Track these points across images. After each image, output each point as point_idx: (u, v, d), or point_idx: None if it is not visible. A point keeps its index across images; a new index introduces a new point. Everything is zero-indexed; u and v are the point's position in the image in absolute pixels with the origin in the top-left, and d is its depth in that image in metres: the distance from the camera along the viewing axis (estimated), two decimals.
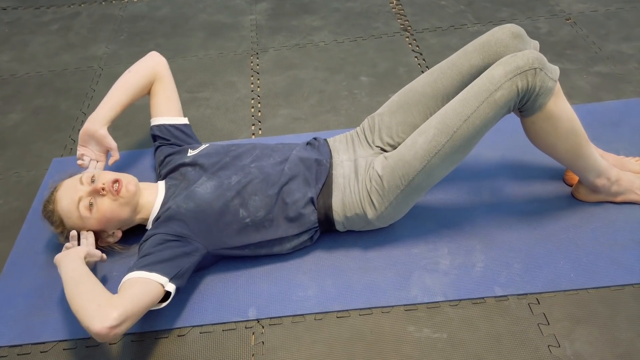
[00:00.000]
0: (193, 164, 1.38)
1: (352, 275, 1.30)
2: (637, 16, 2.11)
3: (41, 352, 1.23)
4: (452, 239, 1.36)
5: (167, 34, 2.36)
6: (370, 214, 1.29)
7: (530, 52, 1.17)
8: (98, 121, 1.46)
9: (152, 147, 1.75)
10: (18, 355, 1.23)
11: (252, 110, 1.88)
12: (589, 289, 1.22)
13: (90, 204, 1.28)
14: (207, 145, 1.46)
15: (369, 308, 1.24)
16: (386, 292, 1.26)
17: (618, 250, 1.28)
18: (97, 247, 1.32)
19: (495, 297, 1.23)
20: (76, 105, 2.00)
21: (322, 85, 1.96)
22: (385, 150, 1.38)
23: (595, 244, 1.30)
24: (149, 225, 1.35)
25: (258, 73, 2.05)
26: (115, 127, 1.87)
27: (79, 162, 1.47)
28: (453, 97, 1.27)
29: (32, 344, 1.25)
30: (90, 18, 2.55)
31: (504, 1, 2.29)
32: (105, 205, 1.29)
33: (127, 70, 1.56)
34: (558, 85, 1.19)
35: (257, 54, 2.14)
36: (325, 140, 1.44)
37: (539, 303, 1.21)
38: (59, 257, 1.25)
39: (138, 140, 1.81)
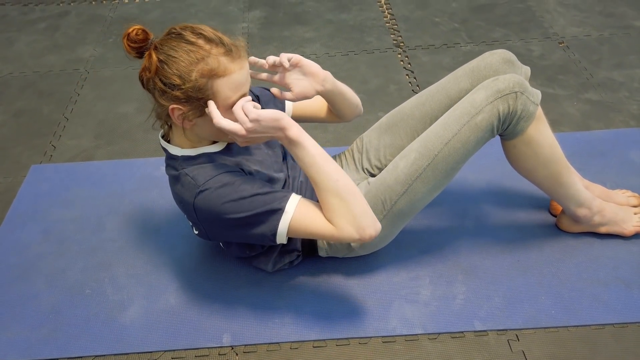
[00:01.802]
0: (270, 145, 1.28)
1: (331, 303, 1.28)
2: (630, 43, 2.11)
3: None
4: (434, 268, 1.34)
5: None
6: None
7: (512, 76, 1.16)
8: (325, 87, 1.16)
9: (133, 158, 1.72)
10: None
11: None
12: (570, 327, 1.21)
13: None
14: None
15: (347, 338, 1.21)
16: (365, 322, 1.23)
17: (600, 287, 1.27)
18: None
19: (475, 331, 1.21)
20: (59, 109, 1.96)
21: None
22: (372, 174, 1.35)
23: (578, 279, 1.29)
24: (190, 152, 1.12)
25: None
26: (98, 135, 1.84)
27: (270, 58, 1.12)
28: None
29: None
30: (78, 18, 2.50)
31: (498, 21, 2.28)
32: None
33: (358, 99, 1.31)
34: (540, 109, 1.18)
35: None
36: None
37: (518, 340, 1.19)
38: (290, 121, 1.01)
39: (121, 149, 1.78)
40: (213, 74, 0.98)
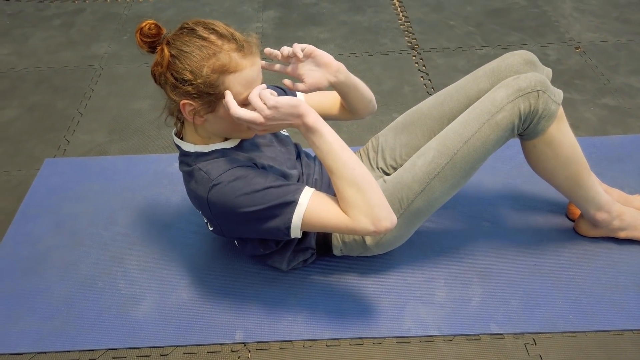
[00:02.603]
0: (283, 142, 1.27)
1: (345, 302, 1.26)
2: None
3: None
4: (449, 270, 1.32)
5: None
6: (369, 239, 1.25)
7: (534, 75, 1.14)
8: (338, 78, 1.14)
9: (146, 153, 1.72)
10: None
11: None
12: (588, 332, 1.18)
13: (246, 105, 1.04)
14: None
15: (361, 338, 1.20)
16: (379, 322, 1.22)
17: (619, 293, 1.25)
18: None
19: (491, 334, 1.19)
20: (73, 104, 1.96)
21: None
22: (387, 174, 1.34)
23: (596, 284, 1.27)
24: (203, 149, 1.12)
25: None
26: (111, 130, 1.84)
27: (284, 49, 1.10)
28: None
29: (9, 354, 1.20)
30: (94, 15, 2.51)
31: (513, 26, 2.27)
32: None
33: (371, 94, 1.28)
34: (561, 109, 1.17)
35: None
36: None
37: (535, 344, 1.17)
38: (308, 108, 0.99)
39: (135, 145, 1.77)
40: (224, 70, 0.97)
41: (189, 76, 0.98)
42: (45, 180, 1.64)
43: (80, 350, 1.19)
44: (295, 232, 1.07)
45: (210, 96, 0.99)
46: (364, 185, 1.01)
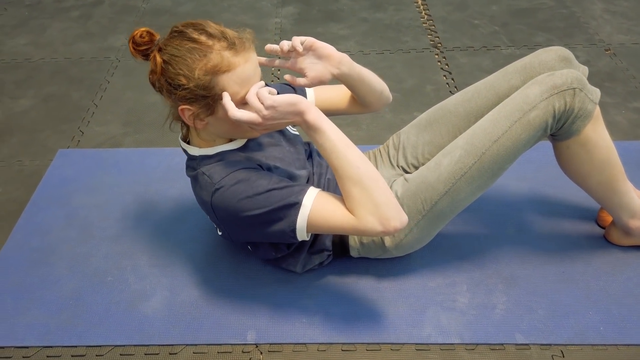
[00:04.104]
0: (292, 142, 1.22)
1: (361, 305, 1.21)
2: None
3: (24, 357, 1.15)
4: (472, 275, 1.26)
5: None
6: (388, 241, 1.19)
7: (570, 71, 1.08)
8: (341, 70, 1.09)
9: (160, 147, 1.69)
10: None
11: None
12: (620, 345, 1.12)
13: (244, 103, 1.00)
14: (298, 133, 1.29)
15: (378, 343, 1.14)
16: (397, 328, 1.16)
17: None
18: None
19: (516, 344, 1.13)
20: (88, 95, 1.94)
21: None
22: (407, 172, 1.29)
23: (629, 295, 1.20)
24: (208, 152, 1.09)
25: (278, 78, 1.97)
26: (126, 123, 1.81)
27: (284, 43, 1.05)
28: None
29: (16, 347, 1.16)
30: (112, 8, 2.49)
31: (540, 26, 2.20)
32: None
33: (383, 84, 1.22)
34: (598, 109, 1.11)
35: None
36: None
37: (563, 356, 1.11)
38: (308, 105, 0.95)
39: (148, 138, 1.74)
40: (217, 70, 0.94)
41: (183, 81, 0.94)
42: (58, 171, 1.61)
43: (87, 346, 1.16)
44: (302, 235, 1.02)
45: (207, 99, 0.96)
46: (369, 183, 0.95)
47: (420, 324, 1.17)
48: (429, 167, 1.16)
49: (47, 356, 1.15)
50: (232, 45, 0.94)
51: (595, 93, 1.09)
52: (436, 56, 2.06)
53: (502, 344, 1.13)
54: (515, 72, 1.21)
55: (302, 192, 1.00)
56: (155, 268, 1.31)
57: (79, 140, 1.74)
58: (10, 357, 1.15)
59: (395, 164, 1.30)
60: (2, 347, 1.16)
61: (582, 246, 1.32)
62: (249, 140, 1.12)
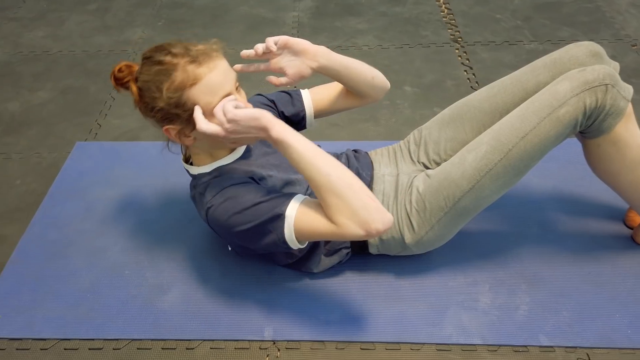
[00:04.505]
0: None
1: (380, 304, 1.19)
2: None
3: (41, 349, 1.15)
4: (494, 275, 1.23)
5: (206, 24, 2.28)
6: (408, 238, 1.17)
7: (601, 67, 1.05)
8: (320, 62, 1.09)
9: None
10: (17, 349, 1.15)
11: None
12: None
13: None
14: None
15: (397, 343, 1.12)
16: (417, 327, 1.14)
17: None
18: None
19: (540, 346, 1.10)
20: (106, 88, 1.93)
21: None
22: (428, 168, 1.26)
23: None
24: (206, 169, 1.11)
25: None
26: None
27: (258, 46, 1.05)
28: None
29: (33, 339, 1.16)
30: (129, 0, 2.49)
31: (564, 20, 2.15)
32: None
33: (374, 73, 1.19)
34: (630, 106, 1.07)
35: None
36: (366, 152, 1.33)
37: (589, 359, 1.08)
38: (273, 120, 0.94)
39: None
40: (183, 86, 0.96)
41: (157, 102, 0.98)
42: (76, 163, 1.61)
43: (104, 339, 1.15)
44: (294, 244, 1.02)
45: (183, 115, 0.98)
46: (343, 190, 0.93)
47: (441, 324, 1.14)
48: (453, 163, 1.13)
49: (65, 349, 1.15)
50: (194, 59, 0.97)
51: (628, 90, 1.06)
52: (456, 51, 2.02)
53: (525, 346, 1.10)
54: (543, 67, 1.17)
55: (285, 203, 1.00)
56: (173, 262, 1.30)
57: (96, 133, 1.73)
58: (28, 349, 1.15)
59: (416, 160, 1.28)
60: (20, 339, 1.16)
61: (609, 247, 1.28)
62: (245, 152, 1.13)
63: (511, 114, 1.10)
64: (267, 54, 1.07)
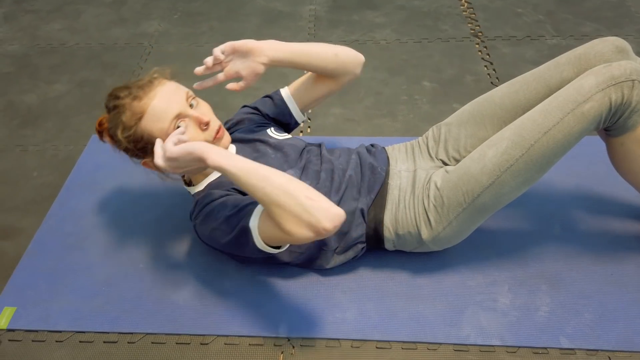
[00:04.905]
0: (277, 148, 1.22)
1: (397, 302, 1.17)
2: None
3: (57, 341, 1.15)
4: (514, 275, 1.21)
5: (222, 17, 2.26)
6: (425, 234, 1.15)
7: (628, 63, 1.02)
8: (270, 56, 1.12)
9: None
10: (33, 341, 1.15)
11: None
12: None
13: (178, 127, 1.07)
14: (290, 135, 1.31)
15: (414, 342, 1.10)
16: (434, 327, 1.12)
17: None
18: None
19: (561, 349, 1.07)
20: (122, 81, 1.92)
21: (379, 86, 1.82)
22: (447, 165, 1.23)
23: None
24: (200, 187, 1.18)
25: None
26: None
27: (208, 60, 1.10)
28: None
29: (49, 331, 1.17)
30: None
31: (587, 15, 2.09)
32: (194, 140, 1.08)
33: (334, 50, 1.21)
34: None
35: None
36: (384, 148, 1.31)
37: None
38: (206, 149, 0.97)
39: None
40: (134, 122, 1.05)
41: (122, 143, 1.08)
42: (92, 156, 1.61)
43: (119, 333, 1.15)
44: (272, 250, 1.04)
45: (149, 147, 1.07)
46: (280, 199, 0.92)
47: (459, 324, 1.12)
48: (473, 158, 1.11)
49: (80, 341, 1.15)
50: (136, 95, 1.05)
51: None
52: (477, 45, 1.99)
53: (545, 348, 1.08)
54: (568, 64, 1.14)
55: (249, 214, 1.02)
56: (188, 257, 1.29)
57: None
58: (44, 341, 1.15)
59: (434, 157, 1.25)
60: (36, 331, 1.17)
61: (632, 248, 1.24)
62: None
63: (534, 110, 1.07)
64: (219, 64, 1.12)
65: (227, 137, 1.15)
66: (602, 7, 2.13)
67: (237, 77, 1.14)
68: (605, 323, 1.10)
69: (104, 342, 1.14)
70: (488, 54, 1.93)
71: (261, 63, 1.11)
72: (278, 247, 1.06)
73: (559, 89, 1.12)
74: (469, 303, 1.16)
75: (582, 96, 1.02)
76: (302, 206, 0.91)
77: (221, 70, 1.13)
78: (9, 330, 1.17)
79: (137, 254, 1.30)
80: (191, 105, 1.10)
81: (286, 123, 1.35)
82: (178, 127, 1.07)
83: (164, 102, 1.05)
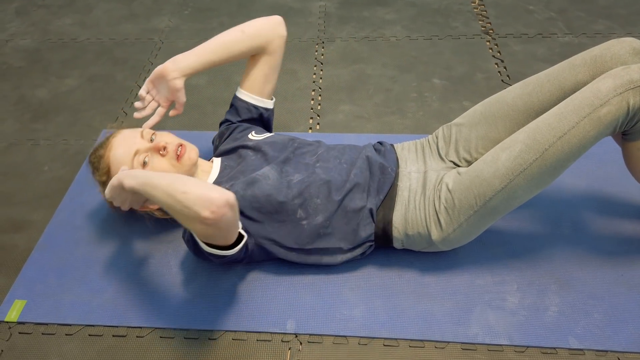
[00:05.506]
0: (255, 148, 1.26)
1: (405, 300, 1.17)
2: None
3: (66, 334, 1.16)
4: (523, 274, 1.20)
5: (232, 13, 2.26)
6: (435, 234, 1.14)
7: None
8: (180, 69, 1.22)
9: (202, 130, 1.67)
10: (43, 334, 1.16)
11: (312, 102, 1.76)
12: None
13: (145, 162, 1.15)
14: (272, 133, 1.35)
15: (422, 340, 1.10)
16: (442, 325, 1.12)
17: None
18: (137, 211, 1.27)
19: (570, 349, 1.07)
20: (132, 76, 1.94)
21: (389, 83, 1.81)
22: (458, 166, 1.23)
23: None
24: None
25: (322, 63, 1.92)
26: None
27: (137, 103, 1.26)
28: None
29: (58, 324, 1.18)
30: None
31: (600, 13, 2.07)
32: (161, 168, 1.16)
33: (241, 27, 1.29)
34: None
35: (323, 43, 2.01)
36: (392, 146, 1.30)
37: None
38: (121, 176, 1.06)
39: (191, 121, 1.73)
40: (105, 177, 1.18)
41: (106, 194, 1.12)
42: None
43: (128, 327, 1.16)
44: (221, 252, 1.08)
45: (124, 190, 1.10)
46: (169, 203, 0.96)
47: (467, 323, 1.12)
48: (485, 161, 1.10)
49: (89, 335, 1.16)
50: (99, 154, 1.18)
51: None
52: (487, 43, 1.97)
53: (554, 348, 1.07)
54: (583, 65, 1.12)
55: None
56: None
57: (122, 121, 1.74)
58: (53, 334, 1.16)
59: (445, 157, 1.24)
60: (46, 324, 1.18)
61: None
62: (221, 171, 1.24)
63: (549, 112, 1.06)
64: (151, 99, 1.25)
65: (191, 153, 1.20)
66: (615, 5, 2.11)
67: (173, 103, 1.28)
68: (615, 324, 1.10)
69: (113, 335, 1.15)
70: (499, 52, 1.91)
71: (176, 80, 1.21)
72: (231, 247, 1.08)
73: (574, 91, 1.11)
74: (477, 302, 1.15)
75: (599, 100, 1.00)
76: (181, 203, 0.94)
77: (157, 106, 1.27)
78: (19, 322, 1.18)
79: (146, 249, 1.31)
80: (151, 140, 1.19)
81: (259, 116, 1.39)
82: (145, 162, 1.16)
83: (121, 147, 1.16)
